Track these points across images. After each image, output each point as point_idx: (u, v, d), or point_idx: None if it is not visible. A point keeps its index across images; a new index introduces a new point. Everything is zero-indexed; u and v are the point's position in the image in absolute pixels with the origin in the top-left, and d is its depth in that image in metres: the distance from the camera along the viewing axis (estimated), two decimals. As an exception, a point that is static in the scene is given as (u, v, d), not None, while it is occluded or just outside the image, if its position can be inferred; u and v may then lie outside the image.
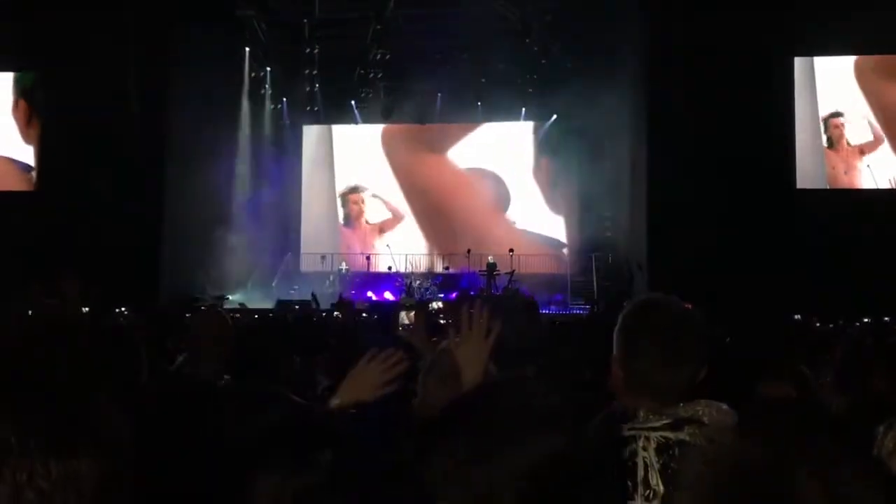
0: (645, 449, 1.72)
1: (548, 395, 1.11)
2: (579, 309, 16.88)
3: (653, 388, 1.78)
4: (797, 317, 8.30)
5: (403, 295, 18.17)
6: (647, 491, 1.70)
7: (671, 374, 1.77)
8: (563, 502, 1.02)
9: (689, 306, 1.86)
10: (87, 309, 8.99)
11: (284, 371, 3.17)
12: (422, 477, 1.08)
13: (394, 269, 20.04)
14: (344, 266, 20.21)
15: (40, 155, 18.06)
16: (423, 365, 2.37)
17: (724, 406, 1.76)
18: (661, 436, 1.73)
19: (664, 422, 1.74)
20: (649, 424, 1.74)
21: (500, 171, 20.85)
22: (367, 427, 2.09)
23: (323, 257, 20.44)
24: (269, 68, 19.65)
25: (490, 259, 17.92)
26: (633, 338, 1.84)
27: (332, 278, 19.42)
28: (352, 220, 21.64)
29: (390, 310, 6.46)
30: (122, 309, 11.57)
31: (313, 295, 15.21)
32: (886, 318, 9.56)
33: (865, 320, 10.01)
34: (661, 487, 1.69)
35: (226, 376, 3.21)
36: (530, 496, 1.01)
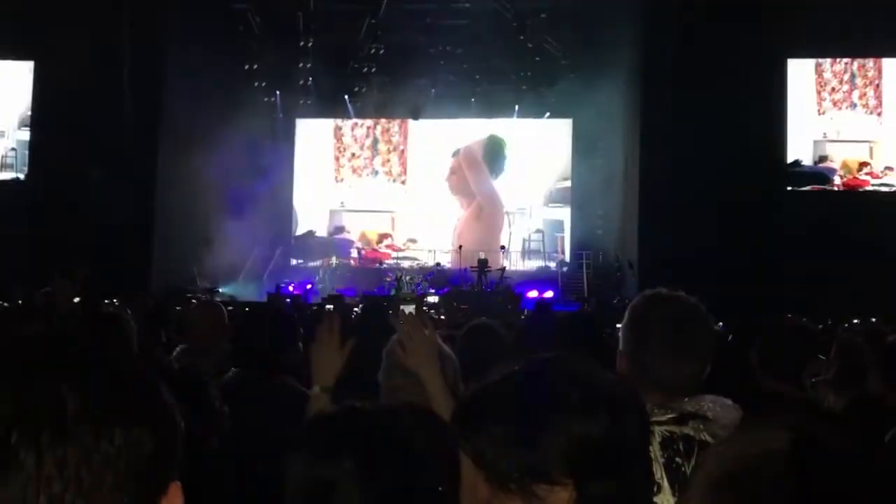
0: (650, 443, 1.73)
1: (590, 374, 1.12)
2: (570, 306, 16.91)
3: (659, 381, 1.79)
4: (789, 316, 8.32)
5: (394, 290, 18.17)
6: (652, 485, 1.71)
7: (678, 368, 1.78)
8: (600, 488, 1.03)
9: (697, 301, 1.87)
10: (78, 299, 8.96)
11: (289, 359, 3.16)
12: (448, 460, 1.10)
13: (385, 266, 20.05)
14: (335, 260, 20.19)
15: (30, 143, 17.96)
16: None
17: (729, 402, 1.77)
18: (665, 430, 1.74)
19: (669, 416, 1.74)
20: (654, 419, 1.75)
21: (496, 165, 20.84)
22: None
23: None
24: (262, 61, 19.57)
25: (481, 255, 17.93)
26: (641, 331, 1.85)
27: (322, 272, 19.38)
28: (344, 214, 21.58)
29: (380, 304, 6.47)
30: (113, 300, 11.52)
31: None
32: (873, 319, 9.60)
33: (856, 321, 10.06)
34: (666, 482, 1.70)
35: (233, 369, 3.21)
36: (572, 477, 1.03)
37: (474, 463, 1.08)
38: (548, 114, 20.12)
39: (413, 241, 20.82)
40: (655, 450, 1.72)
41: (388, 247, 20.96)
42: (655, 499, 1.70)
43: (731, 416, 1.76)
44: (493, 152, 20.78)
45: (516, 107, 20.12)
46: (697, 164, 14.62)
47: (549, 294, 18.35)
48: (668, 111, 15.45)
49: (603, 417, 1.05)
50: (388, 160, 21.37)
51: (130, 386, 0.80)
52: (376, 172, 21.41)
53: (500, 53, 18.68)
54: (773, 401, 2.59)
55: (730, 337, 3.21)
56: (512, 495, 1.05)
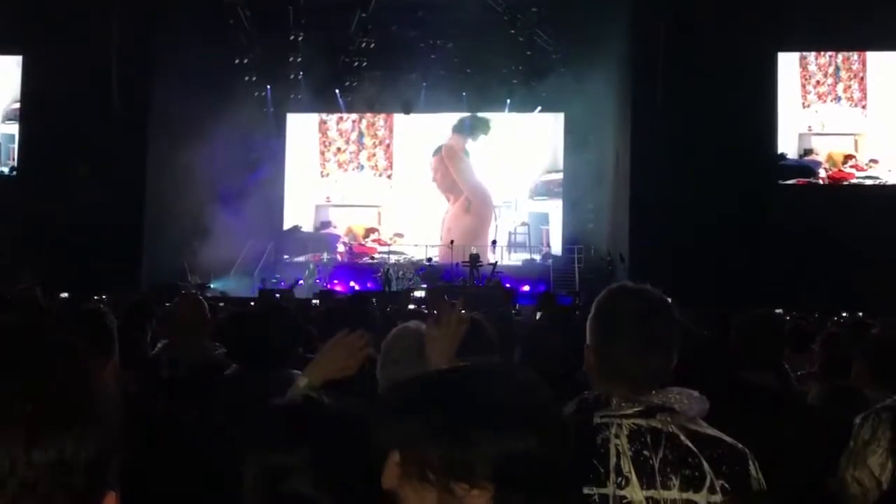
0: (617, 436, 1.74)
1: (535, 389, 1.12)
2: (561, 301, 16.92)
3: (626, 374, 1.80)
4: (779, 311, 8.37)
5: (385, 284, 18.19)
6: (620, 478, 1.71)
7: (644, 361, 1.79)
8: (518, 499, 1.04)
9: (662, 294, 1.88)
10: (66, 295, 8.94)
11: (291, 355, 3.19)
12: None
13: (376, 260, 20.05)
14: (325, 256, 20.18)
15: (19, 137, 17.89)
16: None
17: (696, 394, 1.78)
18: (633, 423, 1.75)
19: (636, 409, 1.75)
20: (621, 412, 1.76)
21: (487, 162, 20.82)
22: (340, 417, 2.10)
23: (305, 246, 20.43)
24: (253, 55, 19.50)
25: (473, 250, 17.94)
26: (607, 324, 1.86)
27: (311, 267, 19.35)
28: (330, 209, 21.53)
29: (367, 299, 6.49)
30: (102, 296, 11.50)
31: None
32: (860, 314, 9.66)
33: (845, 314, 10.12)
34: (634, 475, 1.71)
35: (234, 365, 3.22)
36: (494, 484, 1.03)
37: (399, 443, 1.08)
38: (539, 108, 20.12)
39: (400, 235, 20.81)
40: (623, 443, 1.73)
41: (374, 241, 20.94)
42: (623, 492, 1.71)
43: (698, 408, 1.77)
44: (474, 127, 20.75)
45: (507, 101, 20.11)
46: (688, 157, 14.66)
47: (541, 289, 18.40)
48: (659, 105, 15.49)
49: (538, 434, 1.06)
50: (374, 154, 21.35)
51: (74, 393, 0.76)
52: (362, 167, 21.39)
53: (492, 47, 18.64)
54: (750, 393, 2.61)
55: (705, 331, 3.23)
56: (427, 486, 1.05)
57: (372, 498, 1.17)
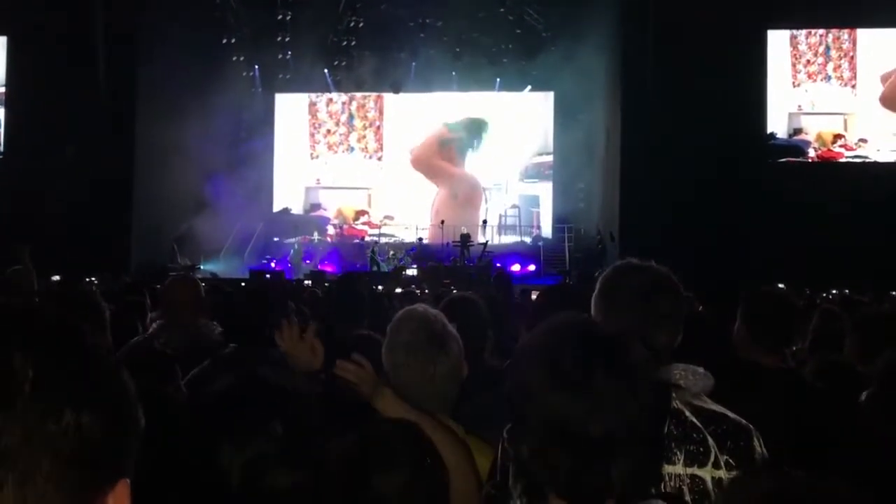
0: None
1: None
2: (552, 279, 16.97)
3: (631, 351, 1.79)
4: (780, 285, 8.41)
5: (372, 262, 18.19)
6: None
7: (650, 337, 1.78)
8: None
9: (668, 270, 1.87)
10: (57, 277, 8.88)
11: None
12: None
13: (367, 240, 20.01)
14: (316, 236, 20.11)
15: (5, 119, 17.69)
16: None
17: (701, 370, 1.78)
18: (637, 399, 1.75)
19: (641, 385, 1.75)
20: (627, 388, 1.76)
21: (476, 140, 20.74)
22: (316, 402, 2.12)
23: (295, 226, 20.34)
24: (240, 35, 19.31)
25: (463, 230, 17.93)
26: (612, 300, 1.85)
27: (297, 247, 19.27)
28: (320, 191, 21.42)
29: (357, 279, 6.47)
30: (93, 279, 11.45)
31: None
32: (846, 291, 9.73)
33: (834, 292, 10.18)
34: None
35: (231, 344, 3.21)
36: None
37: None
38: (529, 87, 20.04)
39: (390, 217, 20.75)
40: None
41: (365, 224, 20.88)
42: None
43: (702, 384, 1.77)
44: (474, 130, 20.69)
45: (497, 80, 20.01)
46: (678, 136, 14.65)
47: (531, 268, 18.45)
48: (649, 83, 15.45)
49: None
50: (364, 136, 21.24)
51: (89, 367, 0.74)
52: (352, 149, 21.28)
53: (481, 26, 18.53)
54: (751, 371, 2.61)
55: (700, 308, 3.22)
56: None
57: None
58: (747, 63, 16.15)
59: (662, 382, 1.26)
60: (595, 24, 16.41)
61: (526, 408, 1.25)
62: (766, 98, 16.97)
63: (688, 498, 1.68)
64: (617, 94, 16.87)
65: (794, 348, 4.28)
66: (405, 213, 20.49)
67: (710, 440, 1.72)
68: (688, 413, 1.73)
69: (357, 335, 3.14)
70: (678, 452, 1.70)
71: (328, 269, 18.17)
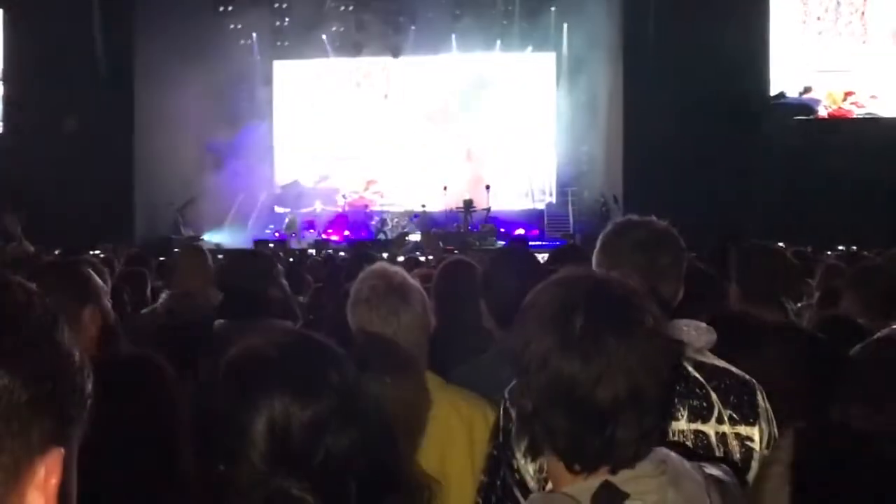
0: None
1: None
2: (556, 243, 16.96)
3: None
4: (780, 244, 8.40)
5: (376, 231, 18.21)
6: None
7: (651, 291, 1.78)
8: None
9: (668, 224, 1.86)
10: (59, 252, 8.89)
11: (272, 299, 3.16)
12: None
13: (370, 209, 19.99)
14: (318, 206, 20.07)
15: (3, 96, 17.62)
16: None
17: (704, 325, 1.78)
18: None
19: (643, 340, 1.75)
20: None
21: (478, 104, 20.54)
22: None
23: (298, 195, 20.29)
24: (236, 3, 19.12)
25: (466, 196, 17.88)
26: (611, 255, 1.84)
27: (287, 219, 19.19)
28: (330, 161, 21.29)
29: (364, 248, 6.49)
30: (97, 252, 11.46)
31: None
32: (854, 248, 9.72)
33: (841, 248, 10.17)
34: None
35: (220, 320, 3.20)
36: None
37: None
38: (530, 48, 19.83)
39: (397, 186, 20.63)
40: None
41: (375, 193, 20.80)
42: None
43: (705, 339, 1.77)
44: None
45: (498, 42, 19.80)
46: (682, 95, 14.53)
47: (534, 233, 18.44)
48: (652, 42, 15.28)
49: None
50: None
51: (18, 327, 0.68)
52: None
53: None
54: (751, 326, 2.61)
55: (703, 265, 3.22)
56: None
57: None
58: (751, 18, 15.94)
59: (673, 341, 1.22)
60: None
61: (530, 366, 1.22)
62: (769, 53, 16.73)
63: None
64: (619, 54, 16.70)
65: (799, 304, 4.28)
66: (414, 181, 20.21)
67: (714, 395, 1.72)
68: (690, 368, 1.73)
69: (338, 293, 3.14)
70: (681, 408, 1.71)
71: (332, 237, 18.19)
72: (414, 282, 2.27)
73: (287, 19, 19.22)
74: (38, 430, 0.68)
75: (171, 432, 1.77)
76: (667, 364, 1.23)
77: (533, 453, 1.33)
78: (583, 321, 1.19)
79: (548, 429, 1.21)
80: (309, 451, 1.13)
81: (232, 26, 19.27)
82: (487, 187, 18.52)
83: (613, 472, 1.18)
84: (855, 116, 16.88)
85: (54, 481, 0.69)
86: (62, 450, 0.70)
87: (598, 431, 1.17)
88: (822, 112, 17.03)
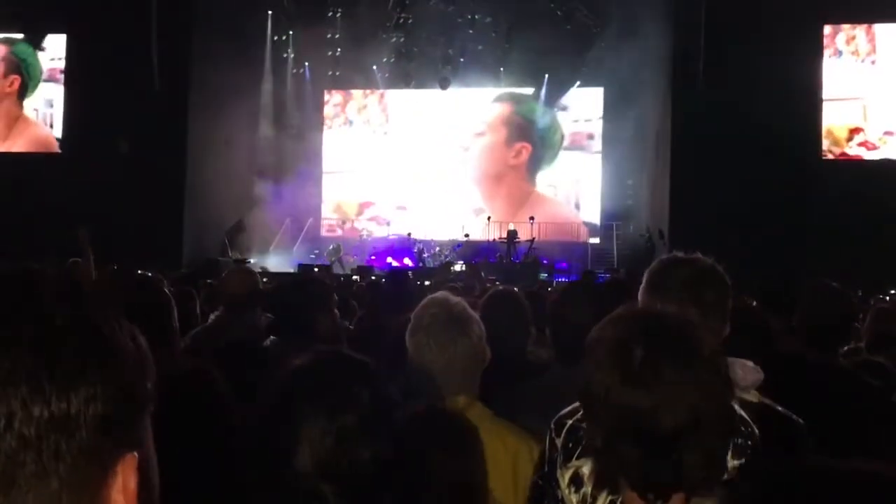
0: None
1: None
2: (600, 278, 16.84)
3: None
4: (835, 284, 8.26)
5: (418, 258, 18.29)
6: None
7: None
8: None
9: (714, 262, 1.87)
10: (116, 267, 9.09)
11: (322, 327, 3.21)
12: None
13: (413, 236, 20.09)
14: (364, 232, 20.25)
15: (63, 116, 18.20)
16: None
17: (751, 364, 1.78)
18: (686, 392, 1.75)
19: (690, 378, 1.76)
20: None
21: (522, 138, 20.64)
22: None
23: (343, 223, 20.51)
24: (291, 32, 19.57)
25: (510, 227, 17.90)
26: (657, 293, 1.85)
27: (332, 246, 19.37)
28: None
29: (406, 276, 6.55)
30: (147, 272, 11.67)
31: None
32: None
33: (893, 292, 9.95)
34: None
35: (271, 337, 3.28)
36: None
37: None
38: (578, 83, 19.89)
39: (402, 208, 20.75)
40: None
41: (371, 219, 21.01)
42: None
43: (752, 378, 1.76)
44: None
45: (546, 76, 19.90)
46: (730, 131, 14.42)
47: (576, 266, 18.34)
48: (701, 79, 15.22)
49: None
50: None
51: (79, 343, 0.68)
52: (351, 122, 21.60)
53: (530, 21, 18.43)
54: (802, 366, 2.59)
55: (754, 303, 3.19)
56: None
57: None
58: (802, 58, 15.77)
59: (726, 373, 1.29)
60: (646, 20, 16.21)
61: (595, 402, 1.29)
62: (822, 93, 16.46)
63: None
64: (668, 90, 16.66)
65: (846, 348, 4.21)
66: (456, 208, 20.32)
67: (758, 434, 1.72)
68: (736, 407, 1.73)
69: (399, 320, 3.18)
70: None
71: (375, 264, 18.33)
72: (474, 314, 2.31)
73: (339, 50, 19.57)
74: (114, 442, 0.70)
75: (226, 442, 1.83)
76: (724, 389, 1.27)
77: (610, 488, 1.38)
78: (642, 354, 1.24)
79: (619, 461, 1.27)
80: (339, 459, 1.20)
81: (285, 55, 19.72)
82: (531, 218, 18.51)
83: (687, 500, 1.22)
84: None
85: (132, 485, 0.72)
86: (135, 454, 0.72)
87: (664, 457, 1.23)
88: (827, 154, 14.93)
